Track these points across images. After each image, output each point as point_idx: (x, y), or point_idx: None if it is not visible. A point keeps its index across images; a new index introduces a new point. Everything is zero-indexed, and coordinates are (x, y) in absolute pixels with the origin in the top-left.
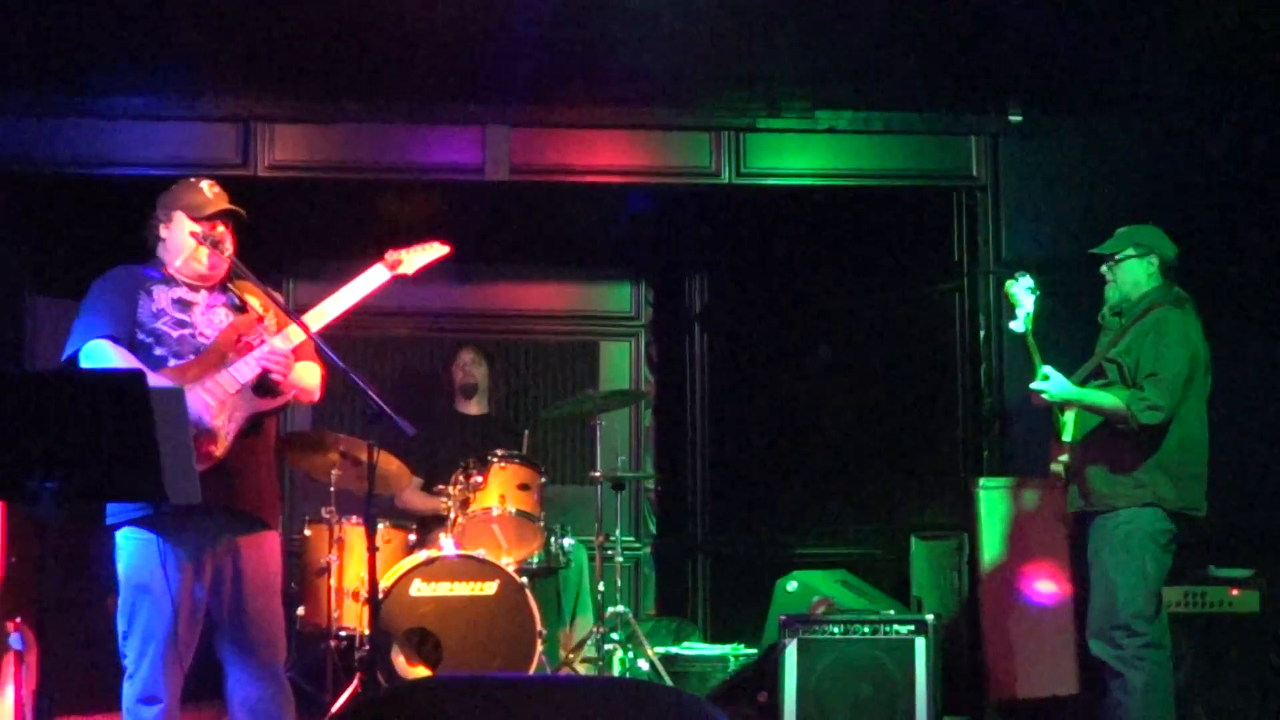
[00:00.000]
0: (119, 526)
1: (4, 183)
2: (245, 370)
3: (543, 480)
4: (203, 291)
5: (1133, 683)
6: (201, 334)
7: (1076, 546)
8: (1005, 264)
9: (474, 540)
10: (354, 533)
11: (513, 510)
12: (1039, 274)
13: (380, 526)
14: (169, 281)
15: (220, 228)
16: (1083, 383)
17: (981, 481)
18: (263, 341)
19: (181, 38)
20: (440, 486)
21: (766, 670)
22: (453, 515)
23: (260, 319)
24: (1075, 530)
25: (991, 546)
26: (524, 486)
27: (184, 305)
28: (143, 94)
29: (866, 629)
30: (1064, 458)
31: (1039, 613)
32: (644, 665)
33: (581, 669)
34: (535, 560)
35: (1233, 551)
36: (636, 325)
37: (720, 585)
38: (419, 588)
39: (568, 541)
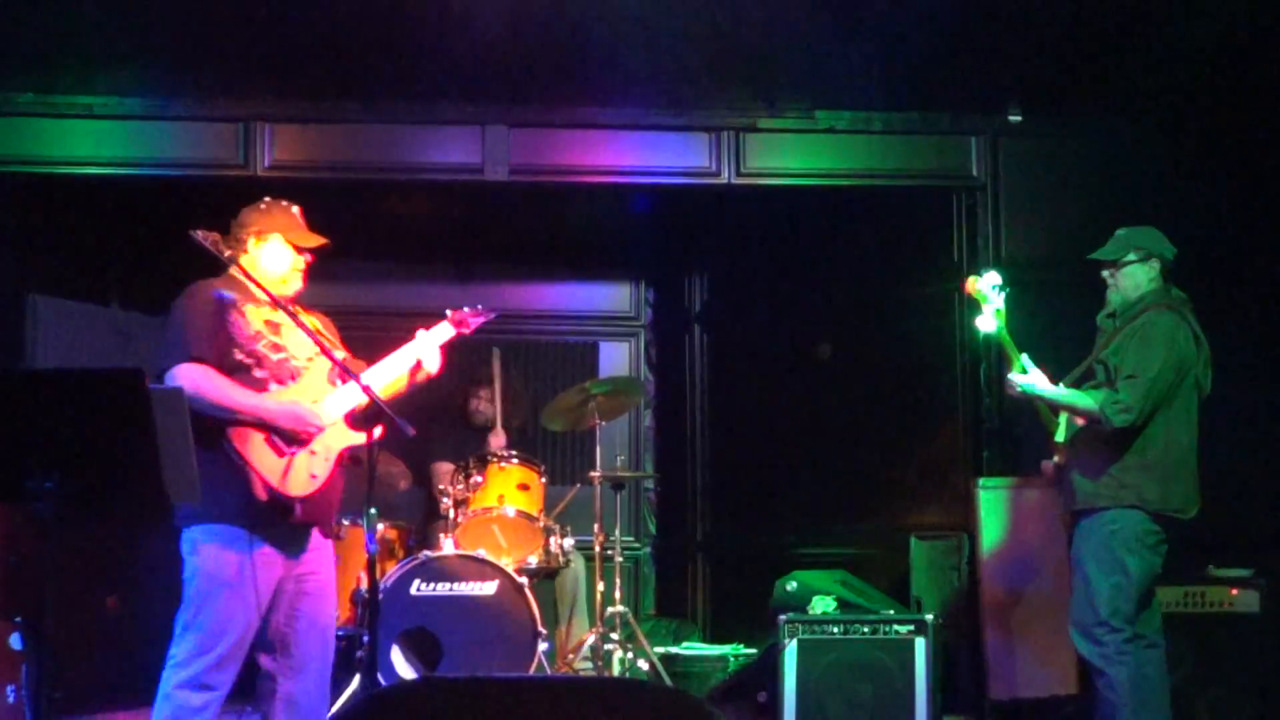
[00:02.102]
0: (201, 523)
1: (4, 183)
2: (341, 404)
3: (543, 481)
4: (280, 312)
5: (1117, 679)
6: (294, 357)
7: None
8: (1005, 264)
9: (474, 540)
10: (354, 533)
11: (512, 510)
12: (1038, 274)
13: (380, 526)
14: (256, 301)
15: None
16: (1076, 383)
17: (981, 481)
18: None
19: (182, 38)
20: (440, 487)
21: (766, 670)
22: (452, 515)
23: (341, 353)
24: (1069, 529)
25: (991, 546)
26: (524, 486)
27: (274, 327)
28: (143, 94)
29: (866, 629)
30: (1055, 458)
31: (1039, 613)
32: (644, 665)
33: (581, 669)
34: (534, 560)
35: (1233, 551)
36: (636, 325)
37: (720, 585)
38: (419, 588)
39: (568, 542)
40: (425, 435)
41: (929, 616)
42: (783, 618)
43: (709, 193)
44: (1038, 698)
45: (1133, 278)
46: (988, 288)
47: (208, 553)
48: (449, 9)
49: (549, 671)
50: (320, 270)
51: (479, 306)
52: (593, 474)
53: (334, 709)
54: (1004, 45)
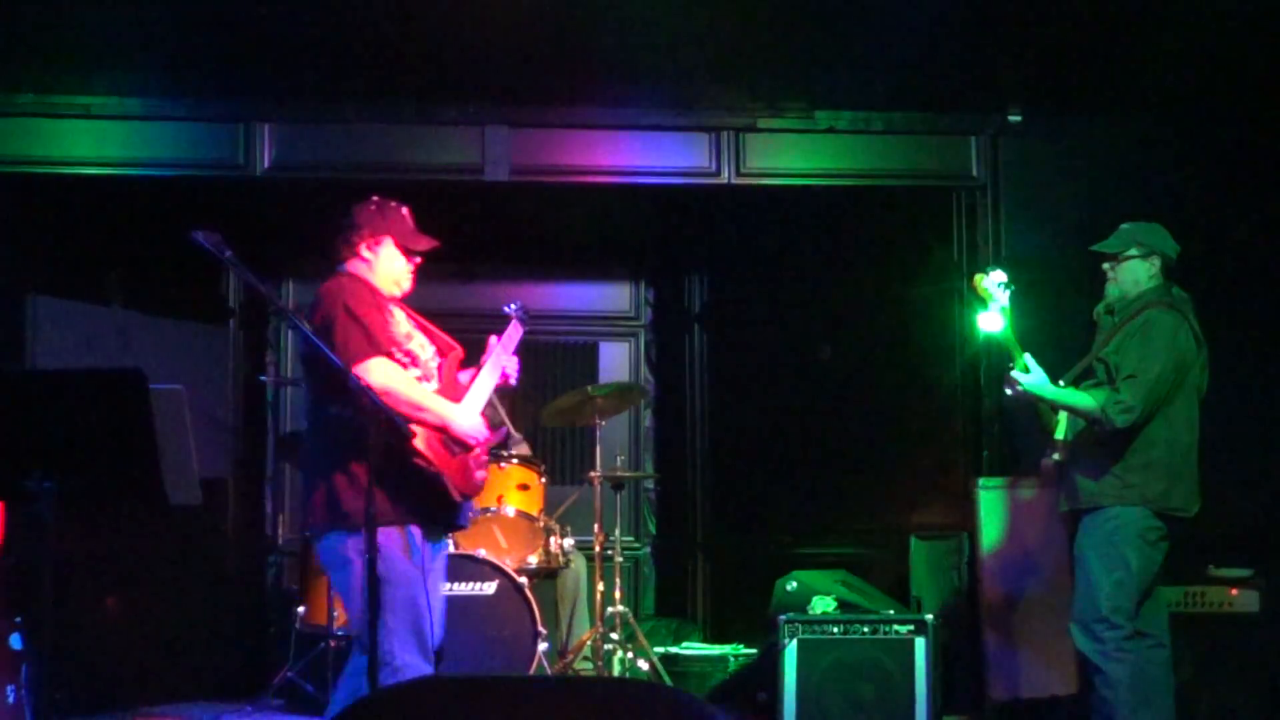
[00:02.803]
0: (380, 526)
1: (4, 183)
2: (478, 404)
3: (543, 481)
4: (399, 308)
5: (1115, 676)
6: (429, 358)
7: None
8: (1005, 264)
9: (474, 540)
10: None
11: (512, 510)
12: (1038, 273)
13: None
14: (391, 300)
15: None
16: (1075, 381)
17: (981, 481)
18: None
19: (182, 38)
20: None
21: (766, 670)
22: None
23: (461, 351)
24: (1070, 528)
25: (991, 546)
26: (524, 486)
27: (410, 325)
28: (142, 94)
29: (866, 629)
30: (1055, 456)
31: (1039, 613)
32: (644, 665)
33: (581, 669)
34: (534, 560)
35: (1233, 551)
36: (636, 325)
37: (720, 585)
38: None
39: (568, 542)
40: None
41: (929, 616)
42: (783, 618)
43: (709, 193)
44: (1038, 698)
45: (1132, 273)
46: (994, 285)
47: (399, 554)
48: (449, 9)
49: (549, 671)
50: (321, 270)
51: (514, 305)
52: (593, 474)
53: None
54: (1004, 45)
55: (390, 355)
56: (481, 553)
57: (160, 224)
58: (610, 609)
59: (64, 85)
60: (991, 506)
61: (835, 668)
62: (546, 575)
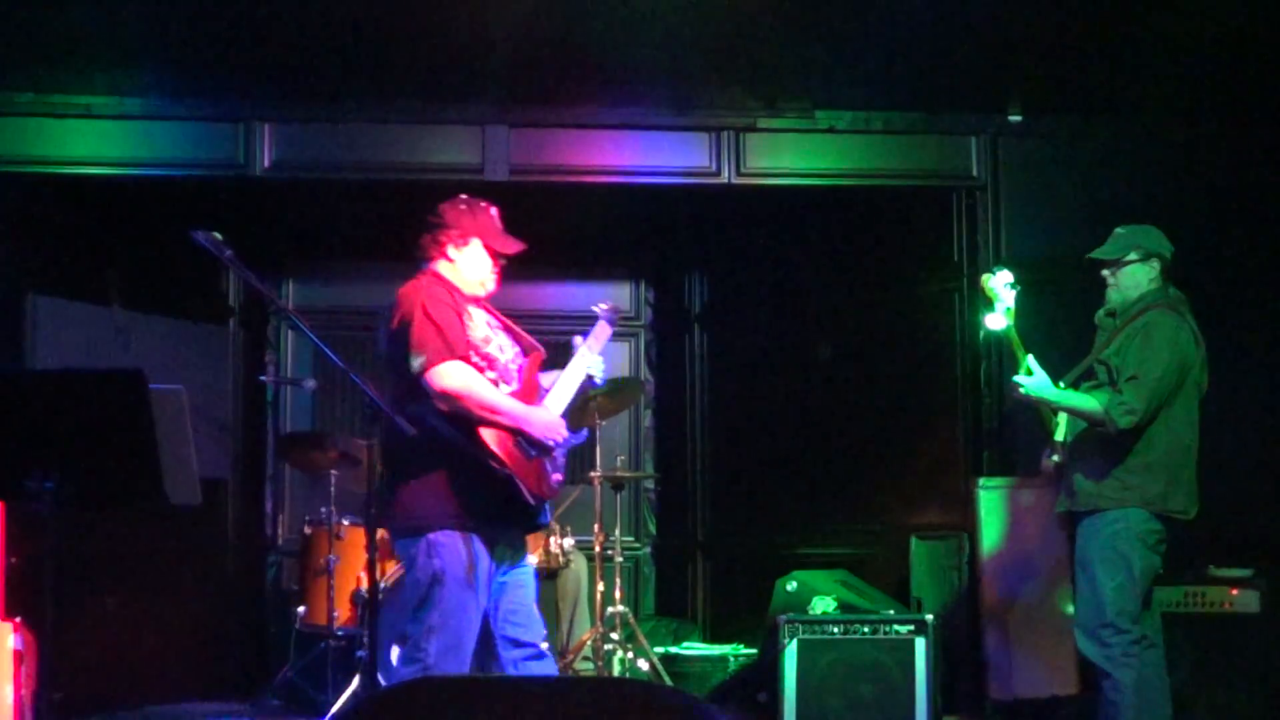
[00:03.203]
0: (444, 528)
1: (4, 183)
2: (559, 406)
3: None
4: (481, 309)
5: (1123, 682)
6: (508, 359)
7: (1072, 546)
8: (1005, 264)
9: None
10: (354, 533)
11: None
12: (1038, 273)
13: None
14: (471, 301)
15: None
16: (1075, 383)
17: (981, 481)
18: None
19: (181, 38)
20: None
21: (766, 670)
22: None
23: (543, 353)
24: (1069, 529)
25: (991, 546)
26: None
27: (490, 329)
28: (143, 94)
29: (866, 629)
30: (1055, 457)
31: (1039, 613)
32: (644, 665)
33: (581, 669)
34: (534, 560)
35: (1233, 551)
36: (636, 325)
37: (720, 585)
38: None
39: (568, 542)
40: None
41: (929, 616)
42: (783, 618)
43: (709, 193)
44: (1038, 698)
45: (1133, 277)
46: (1000, 285)
47: (457, 556)
48: (449, 9)
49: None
50: (320, 270)
51: (610, 303)
52: (593, 474)
53: (334, 709)
54: (1004, 45)
55: (466, 358)
56: None
57: (160, 224)
58: (610, 609)
59: (64, 85)
60: (991, 506)
61: (835, 668)
62: (547, 575)
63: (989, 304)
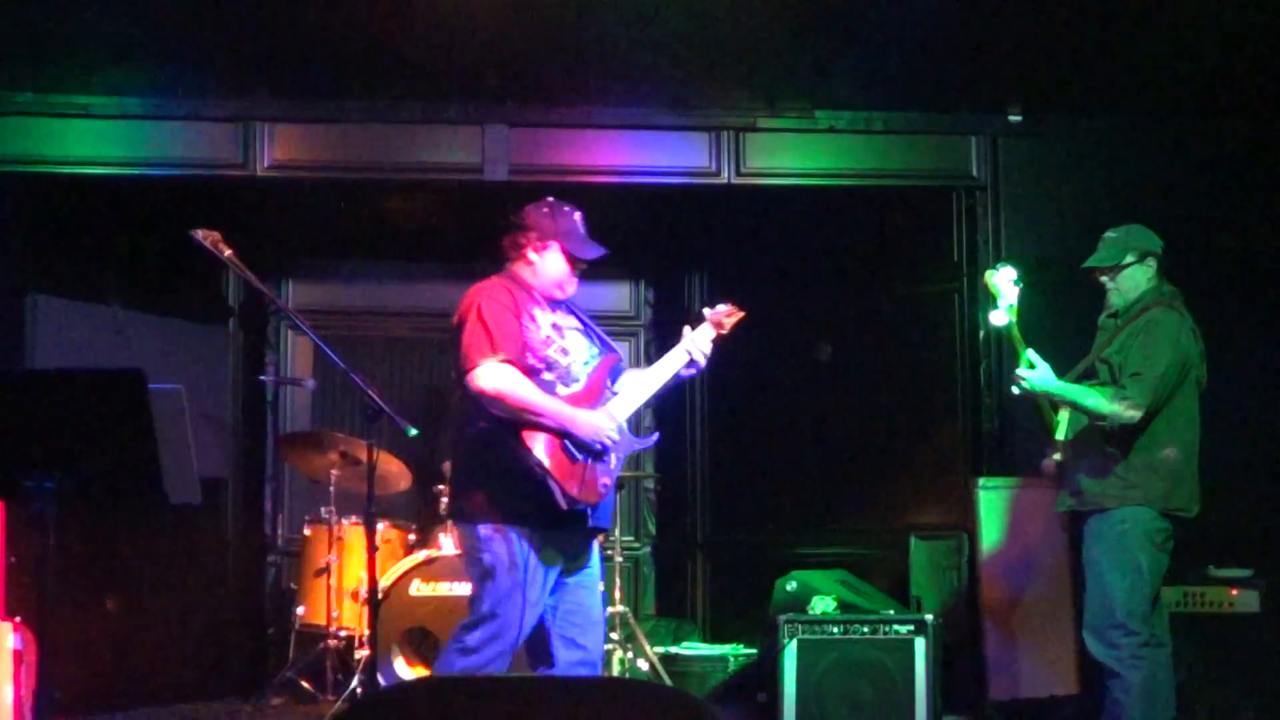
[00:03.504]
0: (493, 521)
1: (4, 183)
2: (623, 410)
3: None
4: (560, 310)
5: (1130, 682)
6: (576, 360)
7: (1073, 545)
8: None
9: None
10: (354, 533)
11: None
12: (1038, 273)
13: (380, 526)
14: (541, 303)
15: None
16: (1075, 381)
17: (981, 481)
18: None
19: (181, 38)
20: (441, 487)
21: (766, 670)
22: None
23: (618, 356)
24: (1070, 529)
25: (991, 546)
26: None
27: (560, 331)
28: (143, 94)
29: (866, 629)
30: (1056, 455)
31: (1039, 613)
32: (644, 665)
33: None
34: None
35: (1233, 551)
36: (636, 325)
37: (720, 585)
38: (419, 588)
39: None
40: (434, 436)
41: (929, 616)
42: (782, 618)
43: (709, 193)
44: (1038, 698)
45: (1132, 279)
46: (1004, 282)
47: (501, 551)
48: (449, 9)
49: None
50: (320, 270)
51: (729, 305)
52: None
53: (334, 709)
54: (1004, 45)
55: (513, 360)
56: None
57: (160, 224)
58: (610, 609)
59: (64, 85)
60: (991, 506)
61: (835, 668)
62: None
63: (992, 300)
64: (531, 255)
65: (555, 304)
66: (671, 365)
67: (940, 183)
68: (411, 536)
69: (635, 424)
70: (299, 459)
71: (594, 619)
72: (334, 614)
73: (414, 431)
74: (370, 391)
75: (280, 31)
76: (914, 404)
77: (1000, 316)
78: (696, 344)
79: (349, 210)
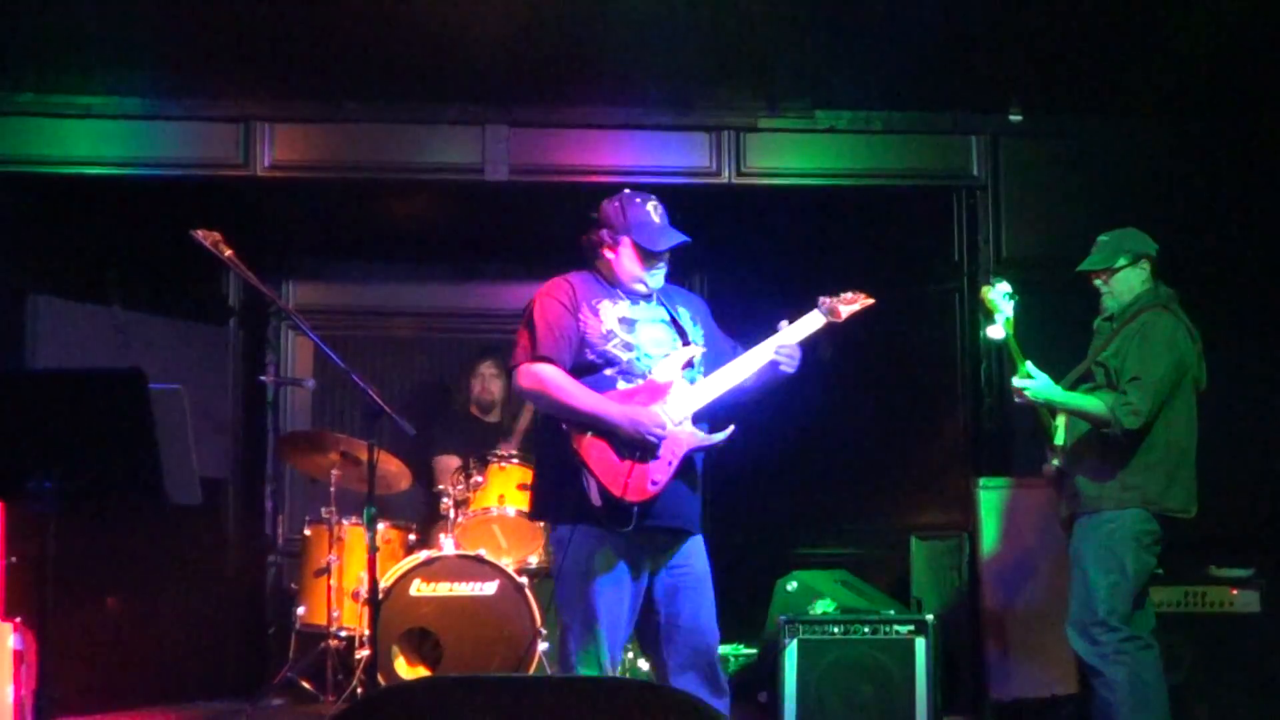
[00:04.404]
0: (564, 522)
1: (4, 183)
2: (686, 405)
3: None
4: (642, 302)
5: (1114, 678)
6: (648, 354)
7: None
8: (1006, 264)
9: (474, 540)
10: (354, 533)
11: (512, 510)
12: (1038, 273)
13: (380, 526)
14: (615, 296)
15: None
16: (1072, 386)
17: (981, 481)
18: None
19: (182, 38)
20: (440, 486)
21: (767, 670)
22: (453, 515)
23: (695, 350)
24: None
25: (991, 546)
26: (524, 486)
27: (629, 324)
28: (143, 94)
29: (866, 629)
30: (1055, 461)
31: (1039, 613)
32: (644, 665)
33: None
34: (534, 560)
35: (1233, 551)
36: None
37: (720, 585)
38: (419, 588)
39: None
40: (427, 429)
41: (929, 616)
42: (783, 618)
43: (709, 192)
44: (1038, 698)
45: (1126, 281)
46: (999, 297)
47: (571, 551)
48: (449, 9)
49: (549, 671)
50: (320, 270)
51: (851, 294)
52: None
53: (334, 709)
54: (1004, 45)
55: (556, 360)
56: (482, 553)
57: (160, 224)
58: None
59: (64, 85)
60: (991, 506)
61: (835, 668)
62: (547, 575)
63: (989, 316)
64: (607, 253)
65: (642, 296)
66: (752, 363)
67: (940, 183)
68: (411, 536)
69: (711, 421)
70: (299, 459)
71: (699, 625)
72: (334, 614)
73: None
74: (370, 391)
75: (280, 31)
76: (914, 404)
77: (997, 330)
78: (785, 342)
79: (349, 210)
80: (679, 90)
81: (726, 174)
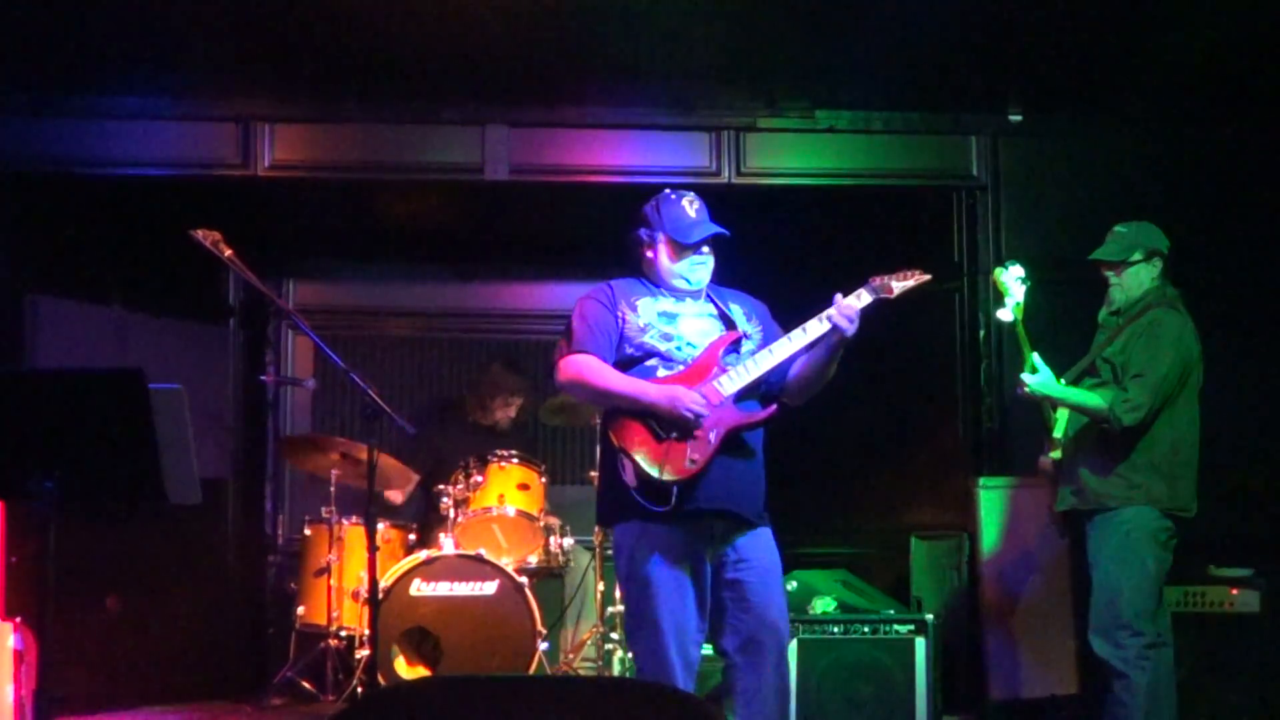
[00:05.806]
0: (615, 524)
1: (4, 183)
2: (729, 384)
3: (543, 480)
4: (688, 299)
5: (1136, 683)
6: (689, 344)
7: (1072, 545)
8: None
9: (474, 540)
10: (354, 533)
11: (512, 510)
12: (1038, 273)
13: (380, 526)
14: (656, 294)
15: (705, 247)
16: (1076, 380)
17: (981, 481)
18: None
19: (181, 37)
20: (440, 486)
21: None
22: (453, 515)
23: (739, 334)
24: (1065, 528)
25: (991, 546)
26: (524, 486)
27: (669, 317)
28: (142, 94)
29: (866, 628)
30: (1054, 454)
31: (1039, 612)
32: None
33: (581, 669)
34: (534, 560)
35: (1233, 551)
36: None
37: None
38: (419, 588)
39: (568, 541)
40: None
41: (929, 616)
42: None
43: (709, 193)
44: (1038, 698)
45: (1136, 277)
46: (1012, 280)
47: (624, 553)
48: (450, 9)
49: (549, 671)
50: (320, 270)
51: (906, 270)
52: (592, 473)
53: (334, 709)
54: (1004, 45)
55: (592, 352)
56: (481, 553)
57: (160, 224)
58: (610, 609)
59: (64, 85)
60: (991, 506)
61: (835, 668)
62: (547, 575)
63: (1000, 298)
64: (647, 253)
65: (687, 293)
66: (797, 341)
67: (940, 183)
68: (411, 536)
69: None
70: (299, 459)
71: (767, 617)
72: (334, 614)
73: (414, 430)
74: (370, 391)
75: (280, 31)
76: (914, 404)
77: (1006, 314)
78: (842, 311)
79: (349, 210)
80: (679, 90)
81: (726, 174)
